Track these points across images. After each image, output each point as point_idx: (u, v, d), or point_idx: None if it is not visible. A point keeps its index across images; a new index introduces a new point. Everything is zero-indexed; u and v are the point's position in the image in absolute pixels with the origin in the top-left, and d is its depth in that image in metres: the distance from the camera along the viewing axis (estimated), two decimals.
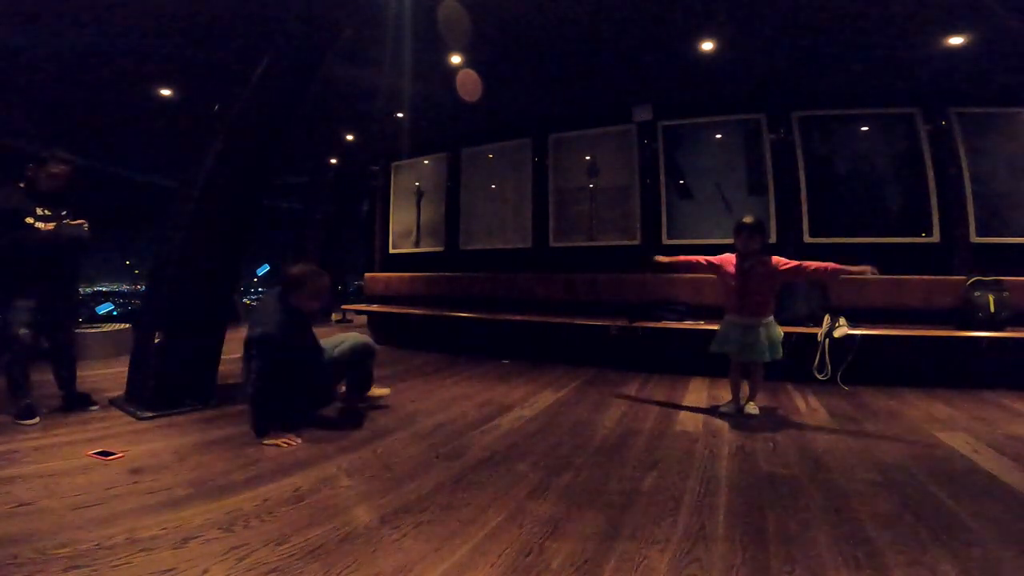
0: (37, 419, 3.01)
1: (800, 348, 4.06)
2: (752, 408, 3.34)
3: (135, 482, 2.18)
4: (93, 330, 5.53)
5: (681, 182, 5.75)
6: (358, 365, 3.22)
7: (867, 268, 3.03)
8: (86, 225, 3.21)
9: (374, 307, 6.90)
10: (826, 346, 4.06)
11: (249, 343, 2.76)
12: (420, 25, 3.94)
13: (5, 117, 6.15)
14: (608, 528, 1.82)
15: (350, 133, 7.31)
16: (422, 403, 3.66)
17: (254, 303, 18.65)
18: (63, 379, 3.33)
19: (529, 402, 3.69)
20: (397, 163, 7.84)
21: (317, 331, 3.20)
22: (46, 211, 3.11)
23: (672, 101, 5.55)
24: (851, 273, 3.09)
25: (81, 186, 3.39)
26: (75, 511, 1.90)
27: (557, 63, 4.77)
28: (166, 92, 5.46)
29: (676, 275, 5.21)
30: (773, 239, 5.01)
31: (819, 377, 4.02)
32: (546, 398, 3.81)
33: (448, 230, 7.08)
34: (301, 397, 3.05)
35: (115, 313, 16.50)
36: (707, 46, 4.31)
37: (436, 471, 2.37)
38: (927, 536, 1.73)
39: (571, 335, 5.23)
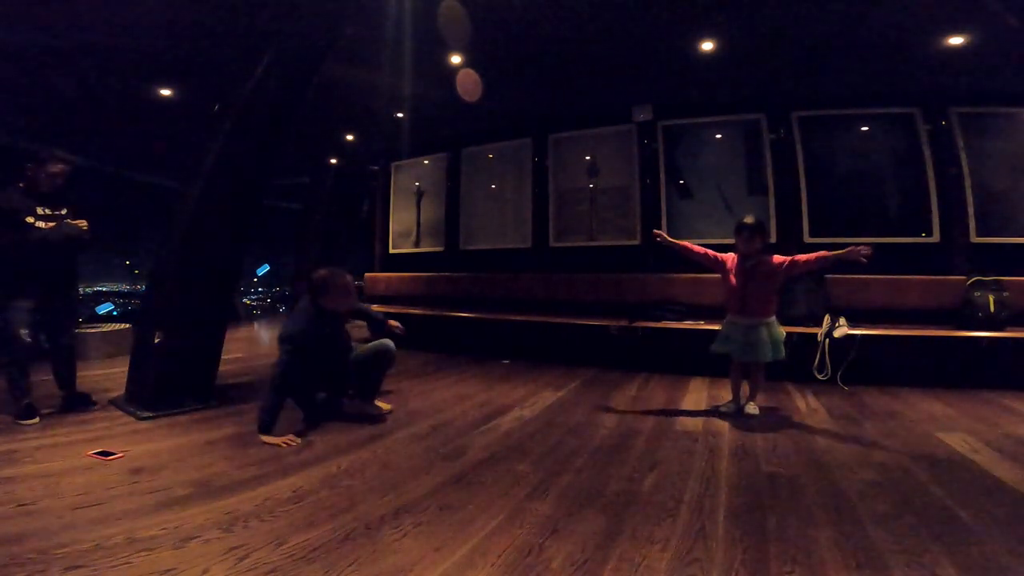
0: (37, 419, 3.01)
1: (800, 348, 4.06)
2: (752, 408, 3.34)
3: (135, 482, 2.18)
4: (93, 330, 5.53)
5: (681, 182, 5.75)
6: (373, 368, 3.29)
7: (857, 249, 2.97)
8: (86, 225, 3.21)
9: (374, 307, 6.89)
10: (826, 346, 4.06)
11: (280, 341, 2.91)
12: (420, 25, 3.94)
13: (5, 117, 6.15)
14: (608, 528, 1.82)
15: (350, 133, 7.31)
16: (422, 403, 3.66)
17: (255, 303, 18.69)
18: (63, 379, 3.33)
19: (529, 402, 3.69)
20: (397, 163, 7.84)
21: None
22: (46, 211, 3.11)
23: (672, 101, 5.55)
24: (842, 257, 3.04)
25: (80, 186, 3.39)
26: (75, 511, 1.90)
27: (557, 63, 4.77)
28: (166, 92, 5.46)
29: (676, 275, 5.21)
30: (773, 239, 5.01)
31: (819, 377, 4.02)
32: (546, 398, 3.81)
33: (448, 230, 7.08)
34: (319, 392, 3.25)
35: (115, 313, 16.50)
36: (707, 46, 4.31)
37: (436, 471, 2.37)
38: (927, 536, 1.73)
39: (571, 335, 5.23)
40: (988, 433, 2.89)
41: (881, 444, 2.73)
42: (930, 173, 4.85)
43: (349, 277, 3.11)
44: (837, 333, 4.08)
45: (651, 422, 3.20)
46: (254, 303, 19.07)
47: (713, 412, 3.39)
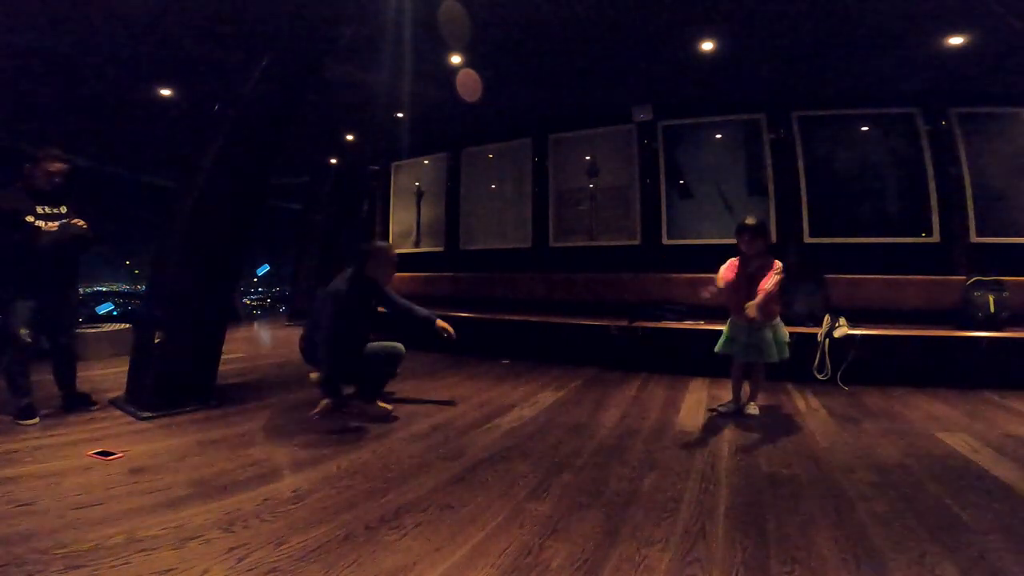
0: (37, 419, 3.01)
1: (800, 348, 4.06)
2: (752, 408, 3.33)
3: (135, 482, 2.18)
4: (93, 330, 5.53)
5: (681, 182, 5.75)
6: (385, 364, 3.35)
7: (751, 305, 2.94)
8: (85, 225, 3.20)
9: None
10: (826, 346, 4.06)
11: (320, 304, 3.11)
12: (420, 25, 3.94)
13: (5, 117, 6.15)
14: (608, 528, 1.82)
15: (350, 133, 7.31)
16: (422, 403, 3.66)
17: (255, 303, 18.67)
18: (63, 379, 3.33)
19: (529, 402, 3.69)
20: (397, 163, 7.84)
21: None
22: (47, 210, 3.11)
23: (672, 101, 5.56)
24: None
25: (80, 186, 3.39)
26: (75, 511, 1.90)
27: (557, 63, 4.77)
28: (166, 92, 5.46)
29: (676, 275, 5.23)
30: (773, 239, 5.01)
31: (819, 377, 4.02)
32: (546, 398, 3.81)
33: (448, 230, 7.09)
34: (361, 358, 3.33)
35: (115, 313, 16.49)
36: (707, 46, 4.31)
37: (436, 471, 2.38)
38: (927, 536, 1.74)
39: (571, 335, 5.23)
40: (988, 433, 2.89)
41: (881, 444, 2.73)
42: (930, 173, 4.86)
43: (393, 252, 3.34)
44: (837, 333, 4.08)
45: (651, 422, 3.20)
46: (254, 303, 19.08)
47: (713, 412, 3.39)
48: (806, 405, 3.58)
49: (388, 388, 3.72)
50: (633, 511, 1.96)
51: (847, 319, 4.23)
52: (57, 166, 3.15)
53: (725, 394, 3.61)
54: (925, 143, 4.89)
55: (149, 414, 3.17)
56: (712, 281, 3.25)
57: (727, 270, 3.27)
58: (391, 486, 2.19)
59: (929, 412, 3.36)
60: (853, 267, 4.77)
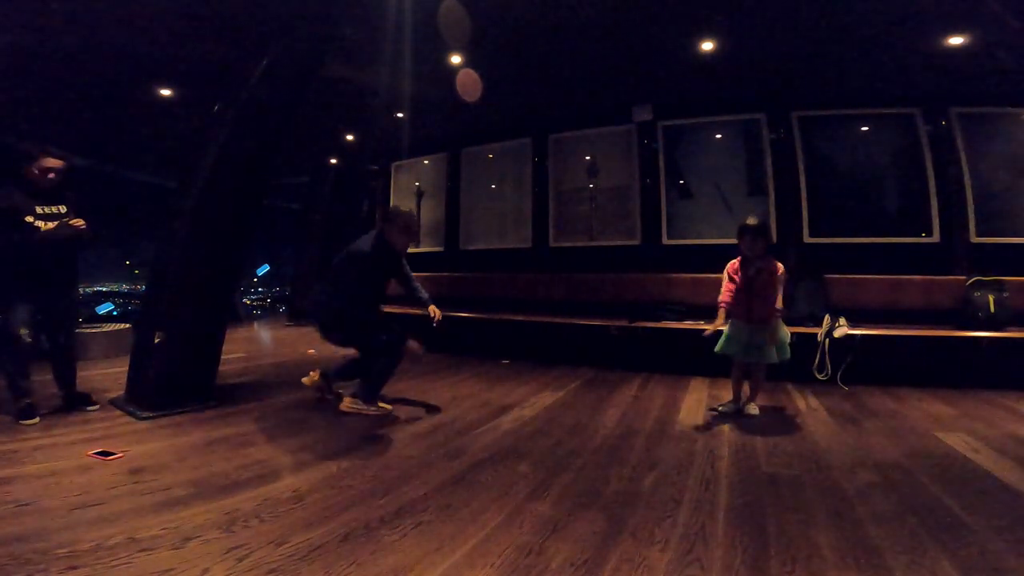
0: (37, 419, 3.01)
1: (800, 348, 4.06)
2: (752, 408, 3.33)
3: (135, 482, 2.18)
4: (93, 330, 5.53)
5: (681, 182, 5.75)
6: (382, 353, 3.29)
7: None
8: (83, 224, 3.19)
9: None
10: (826, 346, 4.06)
11: (339, 263, 3.22)
12: (420, 25, 3.94)
13: (5, 117, 6.15)
14: (608, 528, 1.82)
15: (350, 133, 7.31)
16: (422, 403, 3.66)
17: (255, 303, 18.66)
18: (63, 379, 3.33)
19: (529, 402, 3.69)
20: (397, 163, 7.84)
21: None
22: (46, 209, 3.11)
23: (672, 101, 5.55)
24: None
25: (80, 186, 3.38)
26: (75, 511, 1.90)
27: (557, 63, 4.77)
28: (166, 92, 5.46)
29: (676, 275, 5.22)
30: (774, 239, 5.01)
31: (819, 377, 4.02)
32: (546, 398, 3.81)
33: (448, 230, 7.08)
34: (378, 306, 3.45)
35: (115, 313, 16.51)
36: (707, 46, 4.31)
37: (436, 471, 2.37)
38: (927, 536, 1.73)
39: (571, 335, 5.23)
40: (988, 433, 2.89)
41: (881, 444, 2.73)
42: (930, 173, 4.85)
43: (416, 220, 3.40)
44: (837, 333, 4.08)
45: (651, 422, 3.20)
46: (254, 303, 19.08)
47: (713, 412, 3.39)
48: (806, 405, 3.58)
49: (388, 388, 3.72)
50: (633, 511, 1.96)
51: (847, 319, 4.23)
52: (51, 162, 3.13)
53: (725, 394, 3.61)
54: (925, 143, 4.88)
55: (149, 414, 3.16)
56: (713, 286, 3.26)
57: (729, 278, 3.27)
58: (391, 486, 2.19)
59: (929, 412, 3.36)
60: (853, 267, 4.77)
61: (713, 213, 5.51)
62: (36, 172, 3.09)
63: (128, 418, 3.16)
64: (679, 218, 5.65)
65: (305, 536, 1.74)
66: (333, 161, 8.90)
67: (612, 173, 6.02)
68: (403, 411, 3.43)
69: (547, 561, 1.60)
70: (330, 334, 3.36)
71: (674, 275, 5.23)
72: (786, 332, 3.27)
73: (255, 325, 9.51)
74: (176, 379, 3.38)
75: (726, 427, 3.08)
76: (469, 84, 5.09)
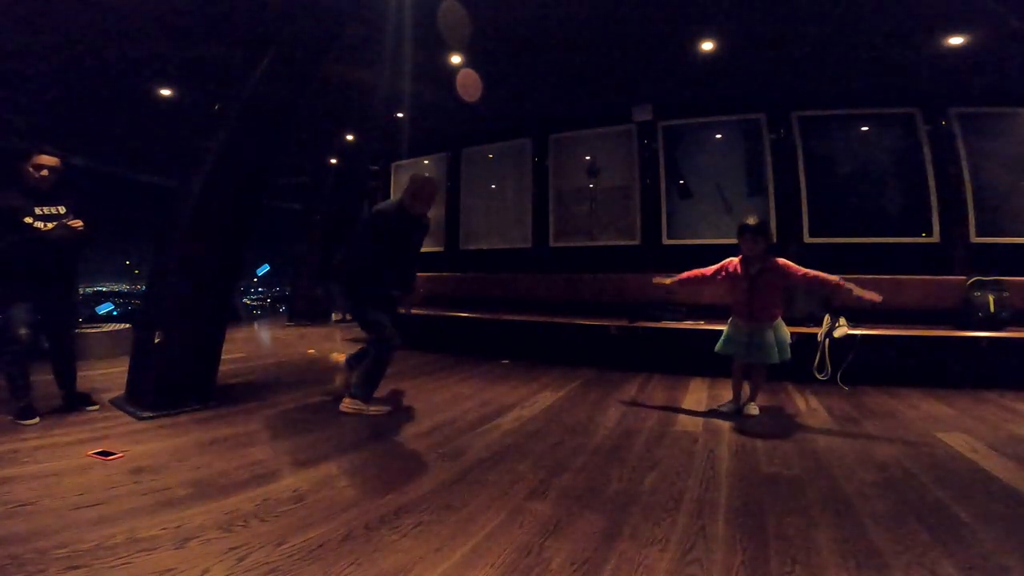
0: (37, 419, 3.01)
1: (800, 348, 4.05)
2: (752, 408, 3.33)
3: (135, 482, 2.18)
4: (93, 330, 5.53)
5: (681, 182, 5.75)
6: (371, 344, 3.35)
7: (876, 296, 2.89)
8: (81, 224, 3.19)
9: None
10: (826, 346, 4.05)
11: (365, 222, 3.30)
12: (420, 25, 3.94)
13: (4, 117, 6.15)
14: (608, 528, 1.82)
15: (350, 133, 7.31)
16: (422, 403, 3.66)
17: (255, 303, 18.66)
18: (63, 379, 3.33)
19: (529, 402, 3.69)
20: (397, 163, 7.84)
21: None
22: (44, 210, 3.11)
23: (672, 101, 5.55)
24: (844, 288, 2.98)
25: (80, 186, 3.38)
26: (75, 511, 1.90)
27: (557, 63, 4.77)
28: (166, 92, 5.46)
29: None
30: (774, 239, 5.01)
31: (819, 377, 4.02)
32: (546, 398, 3.81)
33: (448, 230, 7.08)
34: (392, 282, 3.46)
35: (115, 313, 16.52)
36: (707, 46, 4.31)
37: (436, 471, 2.37)
38: (927, 536, 1.73)
39: (571, 335, 5.23)
40: (988, 433, 2.89)
41: (881, 444, 2.73)
42: (930, 173, 4.86)
43: (435, 188, 3.39)
44: (837, 333, 4.07)
45: (651, 422, 3.20)
46: (254, 303, 19.09)
47: (713, 412, 3.39)
48: (806, 405, 3.58)
49: (388, 388, 3.73)
50: (633, 511, 1.96)
51: (847, 319, 4.23)
52: (46, 159, 3.12)
53: (725, 394, 3.61)
54: (925, 143, 4.88)
55: (149, 414, 3.16)
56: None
57: (725, 271, 3.29)
58: (391, 486, 2.19)
59: (929, 412, 3.36)
60: (853, 267, 4.75)
61: (713, 213, 5.51)
62: (31, 169, 3.08)
63: (128, 418, 3.16)
64: (679, 218, 5.65)
65: (305, 536, 1.74)
66: (333, 161, 8.90)
67: (612, 173, 6.02)
68: (403, 411, 3.43)
69: (547, 561, 1.60)
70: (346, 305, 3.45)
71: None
72: (786, 332, 3.27)
73: (255, 325, 9.51)
74: (176, 379, 3.38)
75: (726, 427, 3.08)
76: (469, 84, 5.09)
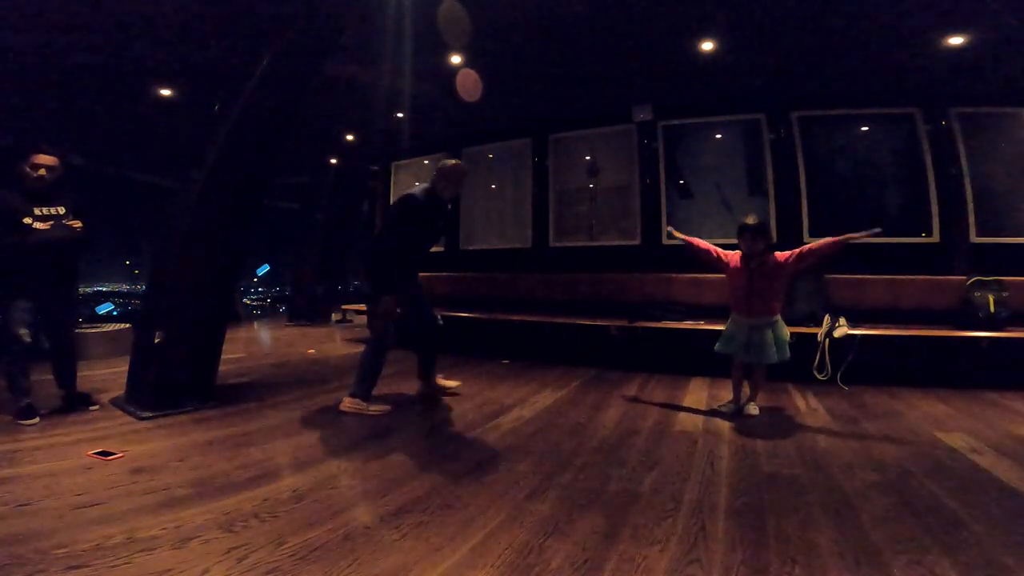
0: (37, 419, 3.01)
1: (800, 348, 4.06)
2: (752, 408, 3.34)
3: (135, 482, 2.18)
4: (93, 330, 5.53)
5: (681, 182, 5.75)
6: (369, 341, 3.39)
7: (875, 231, 3.01)
8: (80, 225, 3.18)
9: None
10: (826, 346, 4.06)
11: (397, 206, 3.34)
12: (420, 25, 3.94)
13: (5, 117, 6.15)
14: (608, 528, 1.82)
15: (350, 133, 7.31)
16: (422, 403, 3.65)
17: (255, 303, 18.66)
18: (63, 379, 3.33)
19: (529, 402, 3.69)
20: (397, 163, 7.84)
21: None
22: (44, 211, 3.11)
23: (672, 101, 5.55)
24: (857, 239, 3.06)
25: (81, 186, 3.38)
26: (75, 511, 1.90)
27: (557, 63, 4.77)
28: (166, 92, 5.46)
29: (676, 275, 5.22)
30: (773, 239, 5.00)
31: (819, 377, 4.02)
32: (546, 398, 3.81)
33: (448, 230, 7.08)
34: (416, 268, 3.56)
35: (115, 313, 16.52)
36: (707, 46, 4.30)
37: (436, 471, 2.37)
38: (927, 536, 1.73)
39: (571, 335, 5.23)
40: (988, 433, 2.89)
41: (881, 444, 2.73)
42: (930, 173, 4.85)
43: (464, 171, 3.51)
44: (837, 333, 4.08)
45: (651, 422, 3.20)
46: (254, 303, 19.09)
47: (713, 412, 3.39)
48: (806, 405, 3.58)
49: (387, 388, 3.73)
50: (633, 511, 1.96)
51: (847, 319, 4.23)
52: (44, 159, 3.12)
53: (725, 394, 3.61)
54: (925, 143, 4.88)
55: (149, 414, 3.16)
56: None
57: (730, 258, 3.33)
58: (391, 486, 2.19)
59: (929, 412, 3.36)
60: (853, 267, 4.76)
61: (713, 213, 5.51)
62: (29, 169, 3.08)
63: (128, 418, 3.16)
64: (679, 218, 5.64)
65: (305, 536, 1.74)
66: (333, 161, 8.90)
67: (612, 173, 6.02)
68: (403, 411, 3.43)
69: (547, 561, 1.60)
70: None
71: (674, 275, 5.22)
72: (786, 331, 3.27)
73: (255, 325, 9.51)
74: (176, 379, 3.38)
75: (726, 427, 3.08)
76: (469, 84, 5.09)
